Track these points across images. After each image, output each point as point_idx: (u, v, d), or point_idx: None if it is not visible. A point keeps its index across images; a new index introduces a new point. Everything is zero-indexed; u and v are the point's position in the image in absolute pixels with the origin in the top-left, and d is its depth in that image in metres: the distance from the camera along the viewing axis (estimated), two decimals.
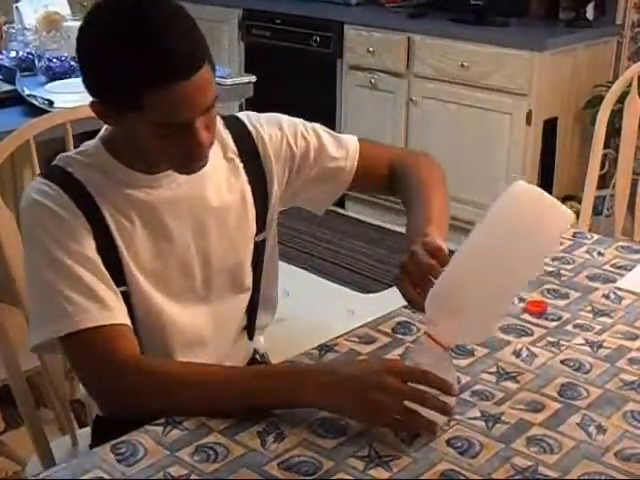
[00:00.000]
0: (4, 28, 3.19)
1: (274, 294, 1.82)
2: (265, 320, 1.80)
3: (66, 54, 2.95)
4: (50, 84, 2.84)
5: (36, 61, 2.96)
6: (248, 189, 1.65)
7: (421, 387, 1.31)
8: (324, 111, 4.69)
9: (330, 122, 4.66)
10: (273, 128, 1.69)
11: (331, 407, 1.35)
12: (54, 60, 2.93)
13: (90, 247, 1.47)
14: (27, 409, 1.88)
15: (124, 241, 1.51)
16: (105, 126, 1.58)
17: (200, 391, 1.39)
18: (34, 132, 1.88)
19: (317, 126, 1.77)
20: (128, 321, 1.48)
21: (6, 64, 2.94)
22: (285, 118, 1.73)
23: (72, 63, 2.95)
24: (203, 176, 1.55)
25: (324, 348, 1.60)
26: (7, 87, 2.73)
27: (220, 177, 1.62)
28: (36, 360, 1.91)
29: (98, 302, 1.44)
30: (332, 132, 1.79)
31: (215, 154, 1.58)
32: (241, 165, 1.65)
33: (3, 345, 1.86)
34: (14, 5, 3.38)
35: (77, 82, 2.86)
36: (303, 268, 4.07)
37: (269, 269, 1.76)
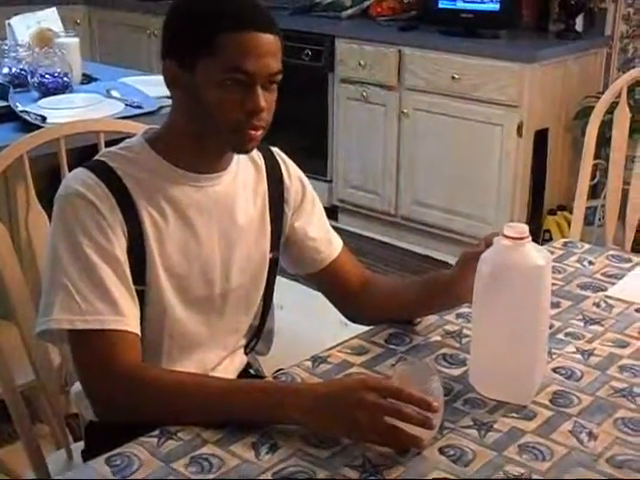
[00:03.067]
0: None
1: (272, 327, 1.85)
2: (261, 348, 1.85)
3: (59, 70, 2.96)
4: (43, 100, 2.85)
5: (29, 77, 2.97)
6: (267, 206, 1.70)
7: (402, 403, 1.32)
8: (316, 125, 4.72)
9: (322, 135, 4.69)
10: (297, 171, 1.77)
11: (313, 425, 1.35)
12: (47, 76, 2.94)
13: (120, 246, 1.50)
14: (22, 424, 1.88)
15: (155, 237, 1.54)
16: (145, 128, 1.66)
17: (191, 403, 1.41)
18: (27, 148, 1.89)
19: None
20: (138, 329, 1.50)
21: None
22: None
23: (65, 79, 2.97)
24: (237, 188, 1.64)
25: (317, 359, 1.61)
26: (0, 103, 2.74)
27: (248, 192, 1.67)
28: (31, 375, 1.91)
29: (113, 306, 1.46)
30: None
31: (246, 169, 1.67)
32: (266, 183, 1.70)
33: None
34: (6, 22, 3.39)
35: (70, 98, 2.89)
36: (295, 280, 4.07)
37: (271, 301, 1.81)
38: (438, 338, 1.69)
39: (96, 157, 1.60)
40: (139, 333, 1.51)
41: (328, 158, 4.72)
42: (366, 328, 1.75)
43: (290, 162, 1.78)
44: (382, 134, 4.48)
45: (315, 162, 4.66)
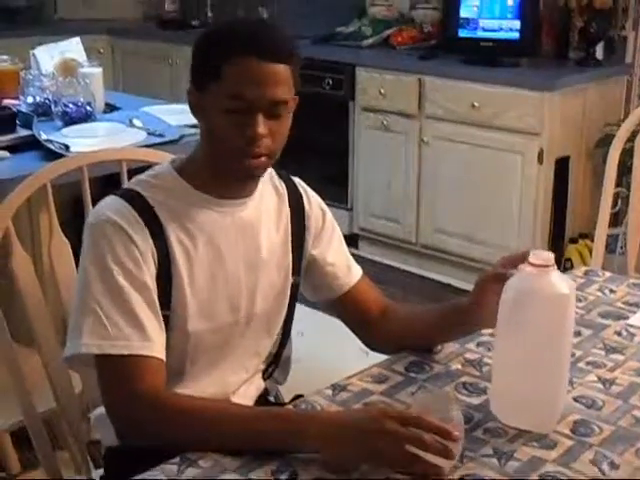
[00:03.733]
0: (21, 74, 3.23)
1: (290, 355, 1.87)
2: (279, 377, 1.86)
3: (82, 99, 2.99)
4: (66, 129, 2.88)
5: (52, 106, 3.00)
6: (289, 233, 1.73)
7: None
8: (336, 153, 4.73)
9: (343, 164, 4.70)
10: (317, 199, 1.80)
11: (333, 454, 1.35)
12: (70, 105, 2.97)
13: (150, 273, 1.53)
14: (43, 450, 1.89)
15: (183, 263, 1.57)
16: (172, 157, 1.71)
17: (213, 430, 1.41)
18: (50, 176, 1.91)
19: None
20: (164, 355, 1.52)
21: (23, 109, 2.99)
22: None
23: (88, 108, 3.00)
24: (261, 215, 1.68)
25: (337, 387, 1.61)
26: (25, 132, 2.77)
27: (271, 219, 1.71)
28: (52, 401, 1.93)
29: (141, 332, 1.49)
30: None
31: (270, 196, 1.72)
32: (289, 210, 1.73)
33: (19, 386, 1.88)
34: (31, 52, 3.43)
35: (93, 127, 2.92)
36: (316, 308, 4.07)
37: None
38: (458, 366, 1.69)
39: (126, 186, 1.65)
40: (164, 359, 1.52)
41: (349, 186, 4.73)
42: (386, 356, 1.75)
43: (310, 191, 1.81)
44: (403, 162, 4.49)
45: (335, 190, 4.67)
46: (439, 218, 4.42)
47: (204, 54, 1.56)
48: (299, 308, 1.82)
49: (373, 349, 1.82)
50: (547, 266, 1.41)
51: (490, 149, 4.14)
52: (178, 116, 3.03)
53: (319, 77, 4.65)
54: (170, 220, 1.57)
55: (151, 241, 1.54)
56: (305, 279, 1.80)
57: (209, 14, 5.74)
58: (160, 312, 1.53)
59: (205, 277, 1.60)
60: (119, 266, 1.50)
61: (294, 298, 1.78)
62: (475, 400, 1.56)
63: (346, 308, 1.81)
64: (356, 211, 4.74)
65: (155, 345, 1.50)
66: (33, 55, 3.42)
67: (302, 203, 1.77)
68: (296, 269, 1.75)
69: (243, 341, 1.69)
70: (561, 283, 1.42)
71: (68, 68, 3.28)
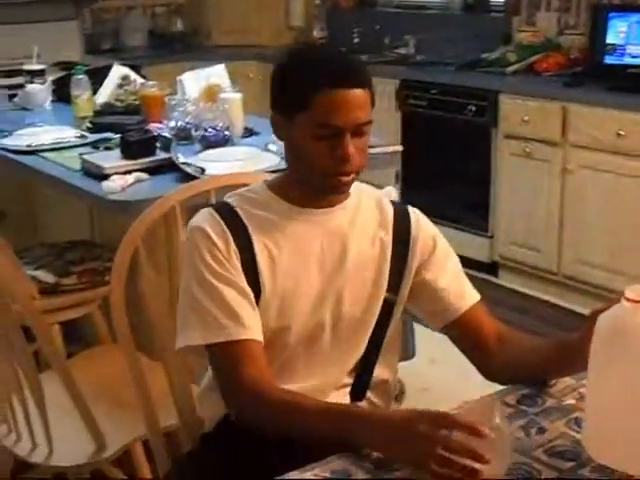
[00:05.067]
0: (167, 99, 3.36)
1: (390, 380, 1.88)
2: (377, 400, 1.86)
3: (221, 124, 3.08)
4: (204, 153, 2.97)
5: (193, 130, 3.10)
6: (389, 250, 1.79)
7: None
8: (477, 180, 4.69)
9: (484, 191, 4.65)
10: (429, 225, 1.85)
11: (381, 452, 1.45)
12: (209, 130, 3.06)
13: (236, 271, 1.69)
14: (164, 465, 1.95)
15: (268, 269, 1.71)
16: (267, 177, 1.87)
17: (292, 421, 1.57)
18: (179, 198, 1.98)
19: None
20: (261, 337, 1.68)
21: (165, 133, 3.10)
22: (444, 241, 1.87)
23: (226, 133, 3.09)
24: (352, 225, 1.77)
25: None
26: (164, 155, 2.88)
27: (366, 232, 1.79)
28: (175, 417, 1.98)
29: (235, 320, 1.66)
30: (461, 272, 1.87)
31: (369, 211, 1.81)
32: (391, 228, 1.80)
33: (144, 400, 1.94)
34: (178, 78, 3.56)
35: (229, 151, 3.00)
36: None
37: (389, 349, 1.85)
38: (572, 401, 1.64)
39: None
40: (262, 340, 1.68)
41: (489, 213, 4.68)
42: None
43: (424, 219, 1.86)
44: (545, 191, 4.40)
45: (475, 217, 4.63)
46: (582, 248, 4.31)
47: (289, 86, 1.68)
48: (431, 335, 1.83)
49: (488, 378, 1.80)
50: None
51: (636, 179, 4.02)
52: None
53: (462, 103, 4.64)
54: (257, 229, 1.72)
55: (235, 247, 1.69)
56: (418, 305, 1.85)
57: (356, 40, 5.81)
58: (254, 301, 1.69)
59: (289, 282, 1.72)
60: (207, 268, 1.68)
61: (388, 315, 1.81)
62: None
63: (459, 333, 1.81)
64: (497, 239, 4.68)
65: (250, 330, 1.66)
66: (179, 81, 3.55)
67: (409, 227, 1.82)
68: (392, 287, 1.79)
69: (326, 350, 1.76)
70: None
71: (211, 94, 3.39)
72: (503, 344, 1.78)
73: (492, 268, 4.65)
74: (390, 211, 1.83)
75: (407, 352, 3.19)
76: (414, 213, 1.86)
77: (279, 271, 1.71)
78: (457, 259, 1.87)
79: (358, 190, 1.81)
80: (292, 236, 1.73)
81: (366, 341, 1.80)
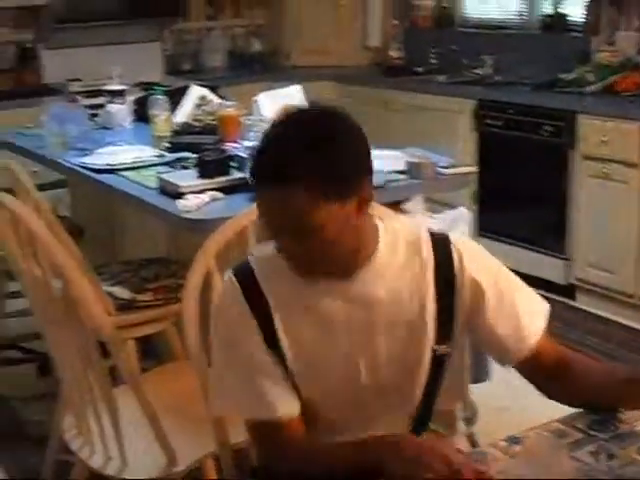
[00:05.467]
0: (243, 119, 3.40)
1: (453, 410, 1.85)
2: (440, 429, 1.82)
3: None
4: None
5: None
6: (432, 300, 1.67)
7: None
8: (554, 201, 4.63)
9: (560, 212, 4.60)
10: (478, 264, 1.70)
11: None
12: None
13: (258, 347, 1.64)
14: None
15: (289, 336, 1.64)
16: None
17: (320, 467, 1.59)
18: (252, 217, 2.00)
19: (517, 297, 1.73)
20: (290, 410, 1.66)
21: (241, 153, 3.14)
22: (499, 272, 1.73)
23: None
24: (381, 284, 1.64)
25: (513, 440, 1.58)
26: (238, 175, 2.91)
27: (402, 287, 1.66)
28: (245, 434, 1.99)
29: (254, 398, 1.64)
30: (522, 304, 1.72)
31: (405, 259, 1.66)
32: (433, 276, 1.67)
33: (214, 416, 1.96)
34: (253, 98, 3.61)
35: None
36: None
37: (452, 385, 1.78)
38: None
39: (247, 257, 1.73)
40: (294, 412, 1.66)
41: (566, 235, 4.62)
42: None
43: (469, 253, 1.71)
44: (623, 212, 4.33)
45: (552, 239, 4.57)
46: None
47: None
48: None
49: (555, 399, 1.75)
50: None
51: None
52: (388, 161, 3.07)
53: (539, 124, 4.60)
54: (276, 299, 1.64)
55: (254, 320, 1.63)
56: (478, 347, 1.81)
57: (433, 60, 5.81)
58: (280, 376, 1.64)
59: (313, 353, 1.65)
60: (230, 344, 1.66)
61: (440, 367, 1.72)
62: None
63: (523, 373, 1.75)
64: (573, 261, 4.61)
65: (275, 406, 1.63)
66: (255, 101, 3.59)
67: (452, 268, 1.68)
68: (442, 337, 1.69)
69: (378, 413, 1.71)
70: None
71: None
72: (567, 371, 1.72)
73: (568, 291, 4.58)
74: (429, 253, 1.67)
75: (482, 375, 3.15)
76: (455, 247, 1.70)
77: (302, 341, 1.64)
78: (513, 291, 1.73)
79: (392, 237, 1.66)
80: (314, 309, 1.64)
81: (418, 397, 1.73)
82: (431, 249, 1.68)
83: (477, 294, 1.68)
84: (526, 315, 1.72)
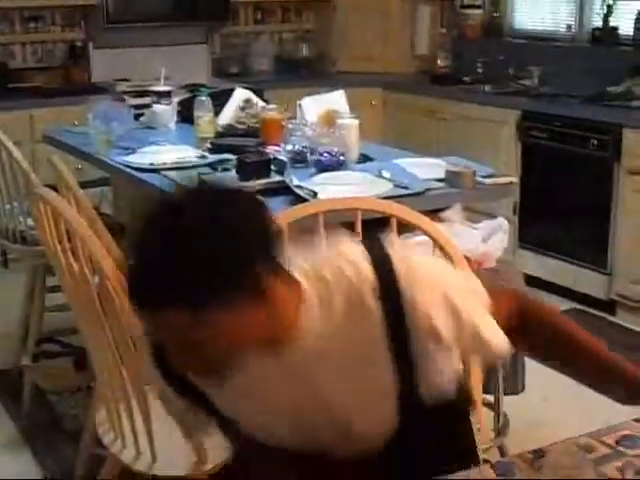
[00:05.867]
0: (286, 123, 3.42)
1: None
2: None
3: (336, 149, 3.12)
4: (318, 176, 3.01)
5: (308, 154, 3.15)
6: (384, 348, 1.51)
7: None
8: (597, 215, 4.59)
9: (603, 227, 4.55)
10: (429, 302, 1.50)
11: None
12: (325, 154, 3.10)
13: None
14: None
15: (227, 411, 1.62)
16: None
17: None
18: (288, 220, 2.02)
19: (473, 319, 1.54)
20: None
21: (282, 156, 3.16)
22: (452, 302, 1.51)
23: (341, 158, 3.12)
24: (314, 347, 1.49)
25: (539, 452, 1.57)
26: (278, 178, 2.93)
27: (344, 335, 1.50)
28: None
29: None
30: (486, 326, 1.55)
31: (341, 313, 1.49)
32: (381, 329, 1.50)
33: None
34: (297, 102, 3.63)
35: (342, 176, 3.03)
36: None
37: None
38: None
39: None
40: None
41: (608, 250, 4.57)
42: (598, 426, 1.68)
43: (414, 283, 1.49)
44: None
45: (592, 253, 4.52)
46: None
47: None
48: (544, 371, 1.81)
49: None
50: None
51: None
52: (428, 169, 3.08)
53: (584, 137, 4.56)
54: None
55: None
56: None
57: (479, 70, 5.79)
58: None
59: (256, 417, 1.59)
60: None
61: (411, 400, 1.57)
62: None
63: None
64: (615, 276, 4.56)
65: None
66: (299, 105, 3.61)
67: (401, 309, 1.48)
68: (403, 377, 1.53)
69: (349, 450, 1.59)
70: None
71: (329, 119, 3.43)
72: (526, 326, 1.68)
73: (608, 306, 4.53)
74: (378, 309, 1.49)
75: (516, 386, 3.14)
76: (397, 267, 1.49)
77: (242, 414, 1.60)
78: (467, 311, 1.52)
79: (323, 293, 1.48)
80: (242, 386, 1.52)
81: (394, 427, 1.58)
82: (377, 296, 1.49)
83: (431, 331, 1.50)
84: (485, 325, 1.55)
